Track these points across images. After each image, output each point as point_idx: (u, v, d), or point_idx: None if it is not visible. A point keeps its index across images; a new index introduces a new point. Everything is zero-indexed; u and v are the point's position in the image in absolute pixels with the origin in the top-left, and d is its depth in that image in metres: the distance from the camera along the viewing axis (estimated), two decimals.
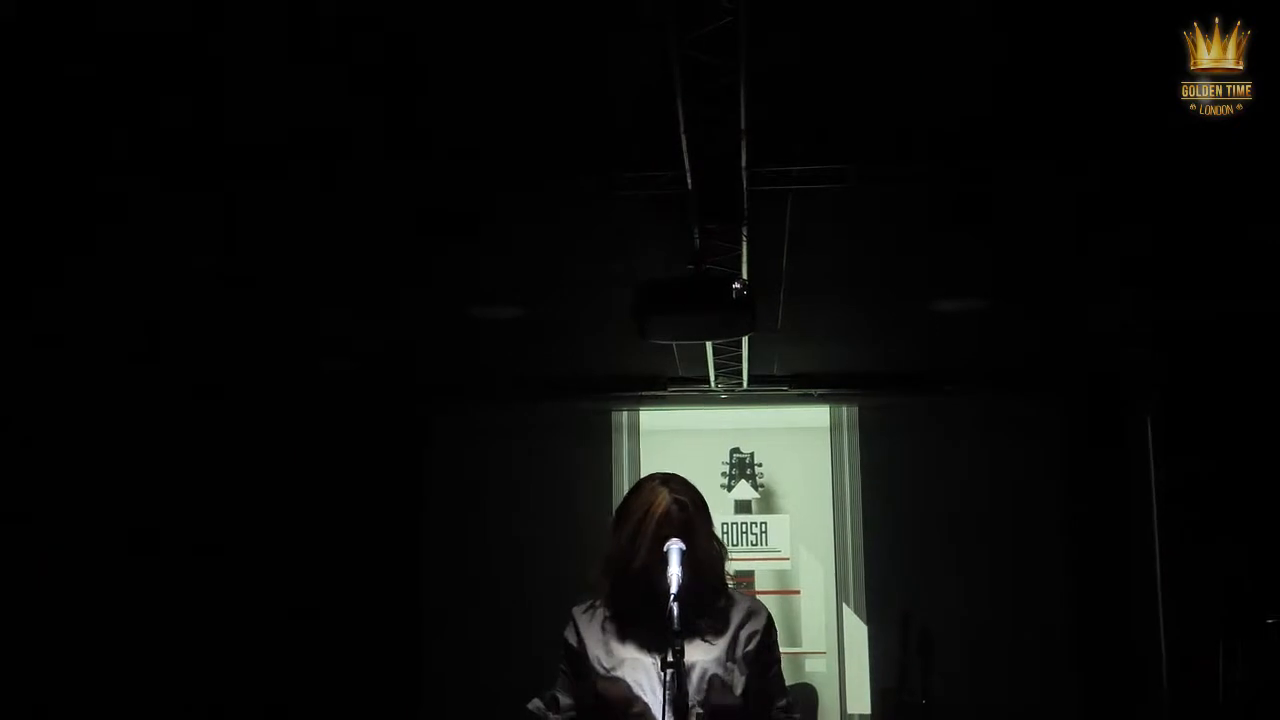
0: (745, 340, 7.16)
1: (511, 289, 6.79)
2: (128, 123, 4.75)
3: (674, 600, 2.54)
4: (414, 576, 8.33)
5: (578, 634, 2.83)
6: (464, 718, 7.98)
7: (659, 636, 2.56)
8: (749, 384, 8.06)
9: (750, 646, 2.78)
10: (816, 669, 8.18)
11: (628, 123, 4.77)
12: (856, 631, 8.25)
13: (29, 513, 6.23)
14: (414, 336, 7.53)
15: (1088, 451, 8.08)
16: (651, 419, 8.58)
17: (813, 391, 8.30)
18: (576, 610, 2.87)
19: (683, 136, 4.47)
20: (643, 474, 8.36)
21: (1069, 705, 7.80)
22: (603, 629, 2.80)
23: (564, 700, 2.81)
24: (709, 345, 7.23)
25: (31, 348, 6.09)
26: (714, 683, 2.69)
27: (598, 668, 2.75)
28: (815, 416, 8.58)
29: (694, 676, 2.67)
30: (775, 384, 8.21)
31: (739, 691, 2.72)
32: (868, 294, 6.76)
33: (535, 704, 2.85)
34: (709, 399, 8.33)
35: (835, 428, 8.57)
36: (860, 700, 8.17)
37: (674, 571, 2.61)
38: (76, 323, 6.25)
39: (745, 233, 5.21)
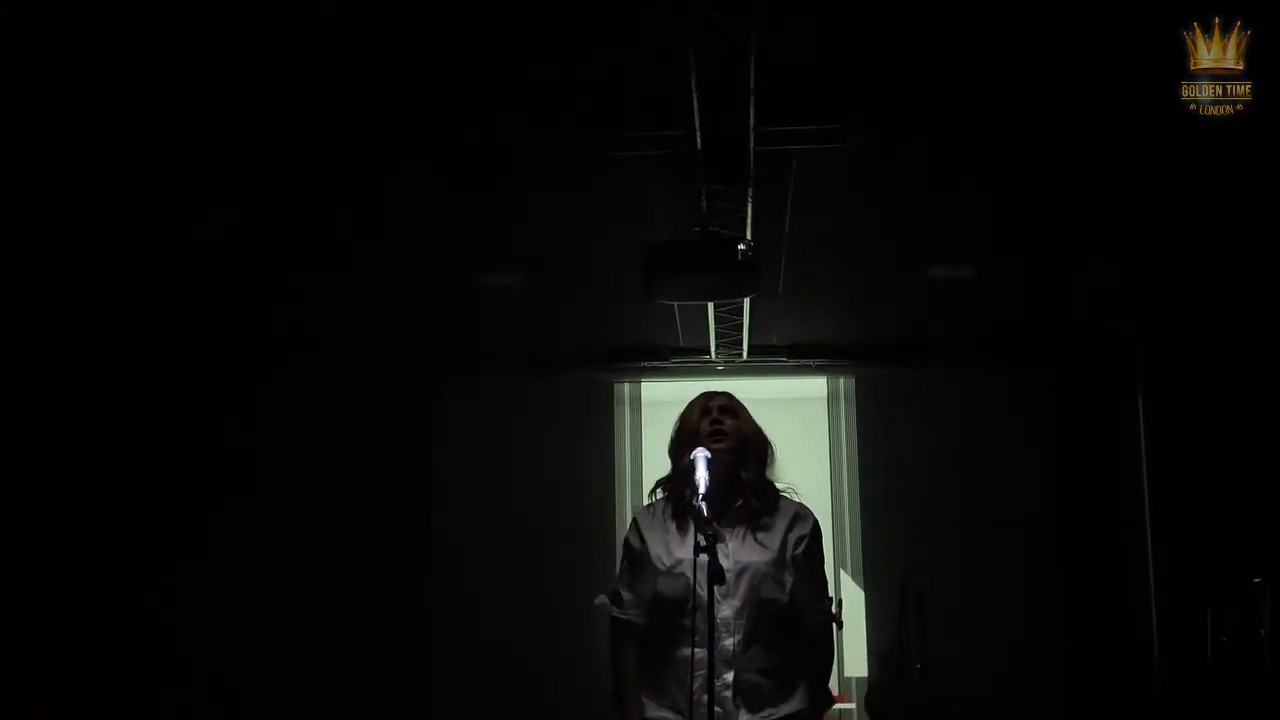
0: (746, 309, 7.34)
1: (515, 256, 6.93)
2: (135, 93, 4.86)
3: (702, 499, 2.77)
4: (417, 548, 8.45)
5: (640, 535, 3.09)
6: (469, 686, 8.12)
7: (708, 521, 2.79)
8: (749, 355, 8.22)
9: (798, 550, 3.05)
10: None
11: (636, 83, 4.91)
12: (854, 597, 8.42)
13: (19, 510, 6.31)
14: (417, 308, 7.66)
15: (1080, 420, 8.25)
16: (652, 390, 8.74)
17: (811, 362, 8.46)
18: (639, 513, 3.17)
19: (694, 95, 4.62)
20: (644, 444, 8.61)
21: (1061, 667, 7.97)
22: (665, 528, 3.06)
23: (627, 596, 3.06)
24: (711, 314, 7.40)
25: (33, 332, 6.20)
26: (765, 581, 2.96)
27: (659, 565, 3.01)
28: (813, 387, 8.76)
29: (747, 576, 2.95)
30: (774, 355, 8.37)
31: (787, 590, 2.94)
32: (867, 261, 6.92)
33: (601, 599, 3.12)
34: (708, 370, 8.49)
35: (833, 398, 8.74)
36: (858, 664, 8.35)
37: (700, 475, 2.86)
38: (77, 296, 6.35)
39: (751, 194, 5.36)
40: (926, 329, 8.23)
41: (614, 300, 7.44)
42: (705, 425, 3.09)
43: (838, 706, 8.39)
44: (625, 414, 8.75)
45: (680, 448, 3.13)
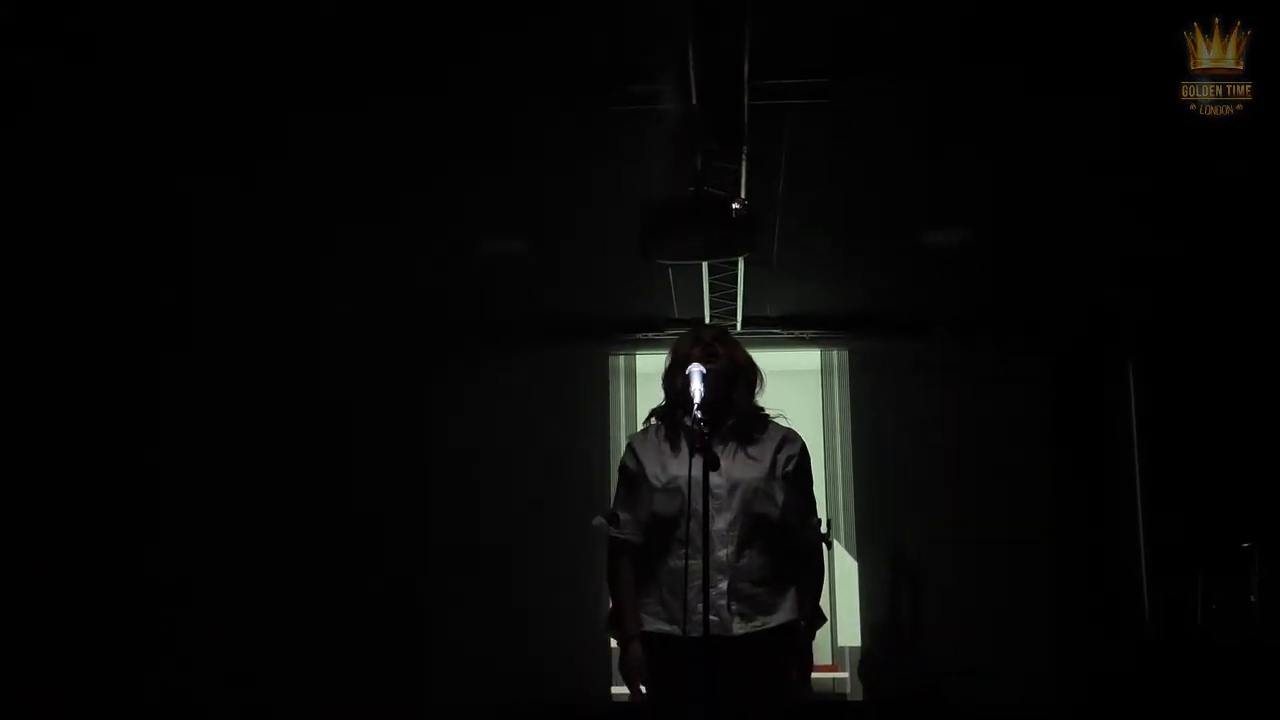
0: (741, 279, 7.40)
1: (510, 225, 6.96)
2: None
3: (698, 409, 2.86)
4: (418, 519, 8.49)
5: (636, 458, 3.20)
6: (466, 655, 8.19)
7: (700, 442, 2.90)
8: (743, 327, 8.27)
9: (789, 468, 3.16)
10: None
11: (634, 38, 4.96)
12: (847, 568, 8.48)
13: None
14: (418, 278, 7.68)
15: (1071, 391, 8.33)
16: (647, 363, 8.80)
17: (804, 333, 8.52)
18: (634, 437, 3.30)
19: (690, 51, 4.67)
20: (639, 416, 8.67)
21: (1052, 635, 8.02)
22: (659, 449, 3.17)
23: (624, 516, 3.17)
24: (705, 284, 7.46)
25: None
26: (757, 496, 3.05)
27: (654, 483, 3.11)
28: (806, 360, 8.83)
29: (739, 490, 3.06)
30: (768, 327, 8.43)
31: (779, 503, 3.02)
32: (860, 231, 6.97)
33: (598, 520, 3.21)
34: None
35: (826, 371, 8.82)
36: (851, 634, 8.41)
37: (696, 387, 2.96)
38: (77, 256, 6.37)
39: (745, 151, 5.41)
40: (920, 302, 8.29)
41: (609, 271, 7.50)
42: (698, 351, 3.17)
43: (831, 676, 8.48)
44: (620, 386, 8.81)
45: (673, 374, 3.21)
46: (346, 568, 7.90)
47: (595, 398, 8.74)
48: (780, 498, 3.10)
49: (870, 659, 8.17)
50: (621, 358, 8.86)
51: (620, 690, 8.41)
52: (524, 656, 8.10)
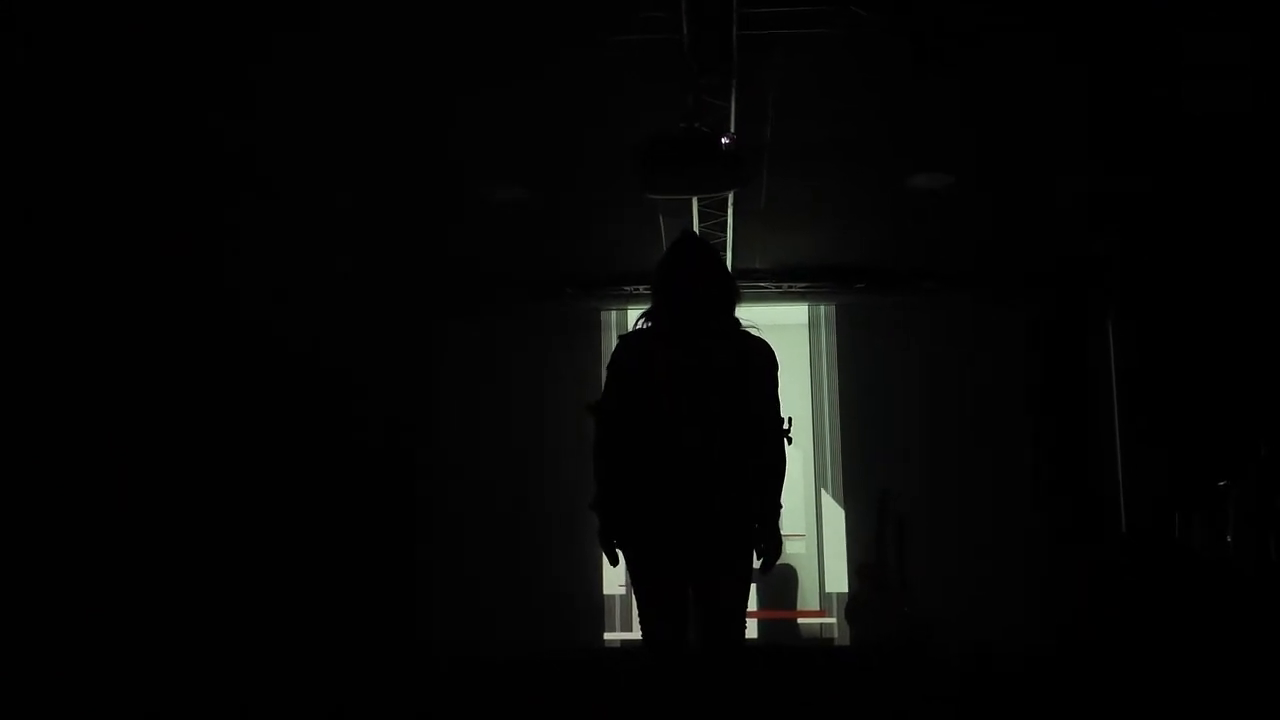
0: (729, 225, 7.56)
1: (508, 161, 7.06)
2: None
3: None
4: (409, 468, 8.63)
5: (623, 350, 3.44)
6: (463, 608, 8.32)
7: (685, 343, 3.28)
8: None
9: (758, 365, 3.39)
10: (796, 551, 8.59)
11: None
12: (834, 515, 8.66)
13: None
14: (413, 228, 7.79)
15: (1053, 339, 8.49)
16: (637, 317, 8.93)
17: (793, 286, 8.68)
18: (624, 335, 3.51)
19: None
20: None
21: (1035, 573, 8.17)
22: (647, 344, 3.41)
23: (610, 404, 3.38)
24: (695, 230, 7.61)
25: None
26: (730, 387, 3.31)
27: (640, 372, 3.34)
28: (795, 314, 9.00)
29: (714, 381, 3.30)
30: (757, 279, 8.58)
31: (748, 396, 3.31)
32: (848, 169, 7.10)
33: (588, 408, 3.35)
34: None
35: (814, 324, 8.99)
36: (838, 579, 8.59)
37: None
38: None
39: (735, 84, 5.57)
40: (905, 254, 8.45)
41: (598, 222, 7.66)
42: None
43: (819, 621, 8.65)
44: (611, 341, 8.95)
45: (662, 261, 3.40)
46: (346, 523, 8.02)
47: (583, 350, 8.87)
48: (750, 391, 3.29)
49: (857, 602, 8.32)
50: (614, 313, 9.00)
51: (613, 636, 8.61)
52: (521, 603, 8.25)
